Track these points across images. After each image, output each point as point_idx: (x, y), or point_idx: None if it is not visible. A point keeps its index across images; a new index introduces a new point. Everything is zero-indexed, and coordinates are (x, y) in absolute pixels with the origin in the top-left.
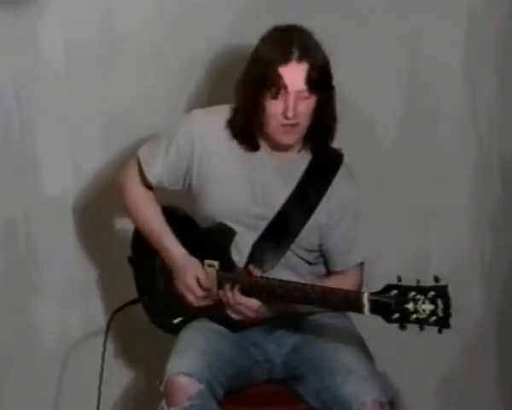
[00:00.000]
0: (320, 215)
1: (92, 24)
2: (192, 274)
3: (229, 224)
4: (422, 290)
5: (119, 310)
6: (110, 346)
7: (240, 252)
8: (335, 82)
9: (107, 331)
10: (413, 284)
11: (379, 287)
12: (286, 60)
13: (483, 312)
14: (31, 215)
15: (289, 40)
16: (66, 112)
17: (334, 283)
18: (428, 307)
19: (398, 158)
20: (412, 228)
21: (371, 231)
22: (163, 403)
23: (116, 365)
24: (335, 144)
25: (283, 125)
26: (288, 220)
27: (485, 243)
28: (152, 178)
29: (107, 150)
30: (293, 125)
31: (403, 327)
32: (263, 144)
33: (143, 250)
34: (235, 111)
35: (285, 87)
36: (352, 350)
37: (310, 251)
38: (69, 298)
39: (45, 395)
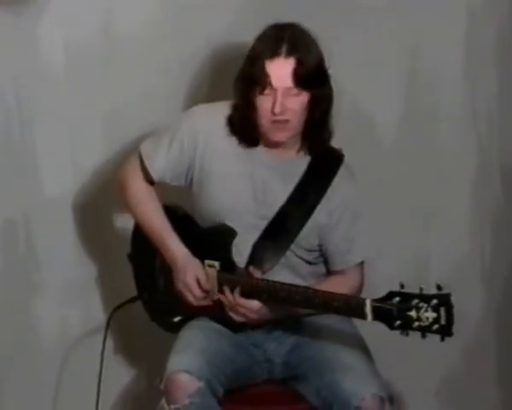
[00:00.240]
0: (320, 215)
1: (92, 24)
2: (192, 275)
3: (230, 223)
4: (425, 298)
5: (118, 307)
6: (110, 344)
7: (240, 252)
8: (335, 82)
9: (106, 329)
10: (416, 291)
11: (379, 287)
12: (273, 54)
13: (483, 312)
14: (31, 215)
15: (280, 36)
16: (66, 112)
17: (335, 283)
18: (431, 314)
19: (398, 158)
20: (412, 228)
21: (371, 230)
22: (163, 401)
23: (116, 363)
24: (335, 144)
25: (274, 122)
26: (287, 220)
27: (485, 243)
28: (154, 172)
29: (107, 150)
30: (284, 123)
31: (405, 334)
32: (261, 142)
33: (143, 247)
34: (234, 108)
35: (271, 82)
36: (351, 350)
37: (309, 251)
38: (69, 298)
39: (45, 395)
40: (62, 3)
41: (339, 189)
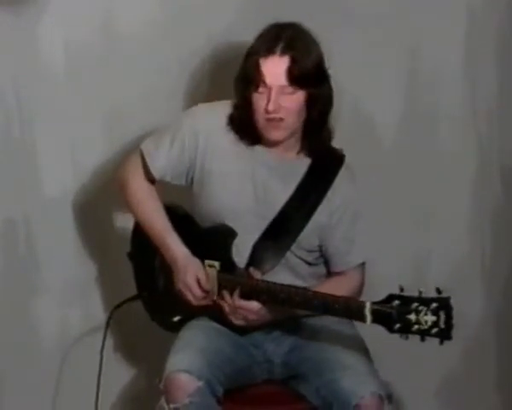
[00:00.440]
0: (320, 216)
1: (92, 24)
2: (192, 274)
3: (230, 223)
4: (425, 302)
5: (118, 306)
6: (110, 343)
7: (240, 252)
8: (335, 82)
9: (106, 328)
10: (415, 294)
11: (379, 287)
12: (267, 52)
13: (483, 312)
14: (31, 215)
15: (278, 35)
16: (66, 112)
17: (335, 284)
18: (430, 318)
19: (398, 158)
20: (412, 228)
21: (371, 231)
22: (162, 400)
23: (116, 362)
24: (335, 144)
25: (268, 120)
26: (288, 221)
27: (485, 243)
28: (155, 171)
29: (107, 150)
30: (278, 121)
31: (404, 337)
32: (261, 141)
33: (143, 246)
34: (235, 107)
35: (265, 80)
36: (351, 351)
37: (310, 252)
38: (69, 297)
39: (45, 395)
40: (62, 3)
41: (339, 190)
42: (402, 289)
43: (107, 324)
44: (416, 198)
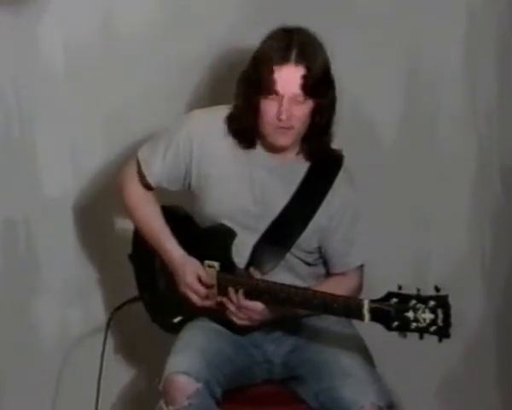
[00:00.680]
0: (320, 219)
1: (92, 24)
2: (191, 273)
3: (229, 225)
4: (423, 299)
5: (119, 308)
6: (110, 344)
7: (240, 253)
8: (335, 82)
9: (106, 330)
10: (413, 292)
11: (379, 287)
12: (282, 60)
13: (483, 312)
14: (31, 215)
15: (289, 41)
16: (66, 112)
17: (334, 284)
18: (429, 316)
19: (398, 158)
20: (412, 228)
21: (371, 231)
22: (161, 402)
23: (116, 363)
24: (335, 145)
25: (278, 128)
26: (288, 223)
27: (485, 243)
28: (151, 178)
29: (107, 150)
30: (289, 128)
31: (403, 335)
32: (260, 144)
33: (144, 248)
34: (234, 109)
35: (279, 88)
36: (351, 353)
37: (309, 253)
38: (69, 298)
39: (45, 395)
40: (62, 3)
41: (338, 192)
42: (400, 288)
43: (108, 325)
44: (416, 198)
